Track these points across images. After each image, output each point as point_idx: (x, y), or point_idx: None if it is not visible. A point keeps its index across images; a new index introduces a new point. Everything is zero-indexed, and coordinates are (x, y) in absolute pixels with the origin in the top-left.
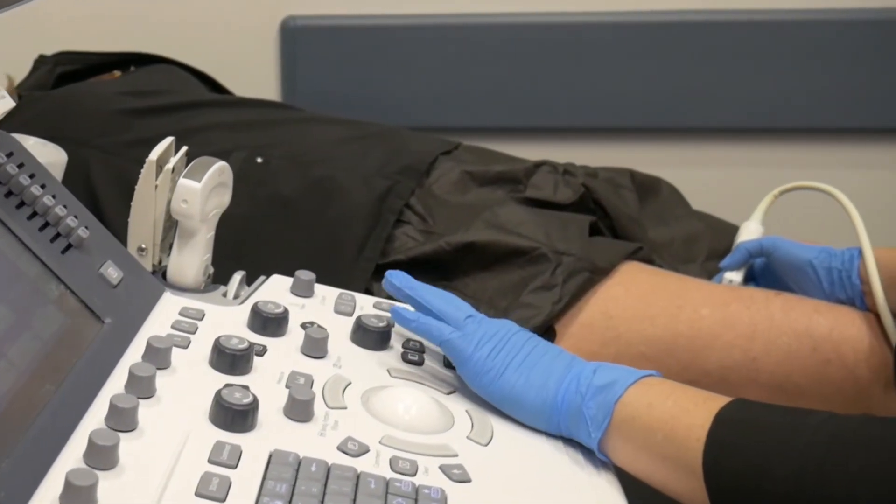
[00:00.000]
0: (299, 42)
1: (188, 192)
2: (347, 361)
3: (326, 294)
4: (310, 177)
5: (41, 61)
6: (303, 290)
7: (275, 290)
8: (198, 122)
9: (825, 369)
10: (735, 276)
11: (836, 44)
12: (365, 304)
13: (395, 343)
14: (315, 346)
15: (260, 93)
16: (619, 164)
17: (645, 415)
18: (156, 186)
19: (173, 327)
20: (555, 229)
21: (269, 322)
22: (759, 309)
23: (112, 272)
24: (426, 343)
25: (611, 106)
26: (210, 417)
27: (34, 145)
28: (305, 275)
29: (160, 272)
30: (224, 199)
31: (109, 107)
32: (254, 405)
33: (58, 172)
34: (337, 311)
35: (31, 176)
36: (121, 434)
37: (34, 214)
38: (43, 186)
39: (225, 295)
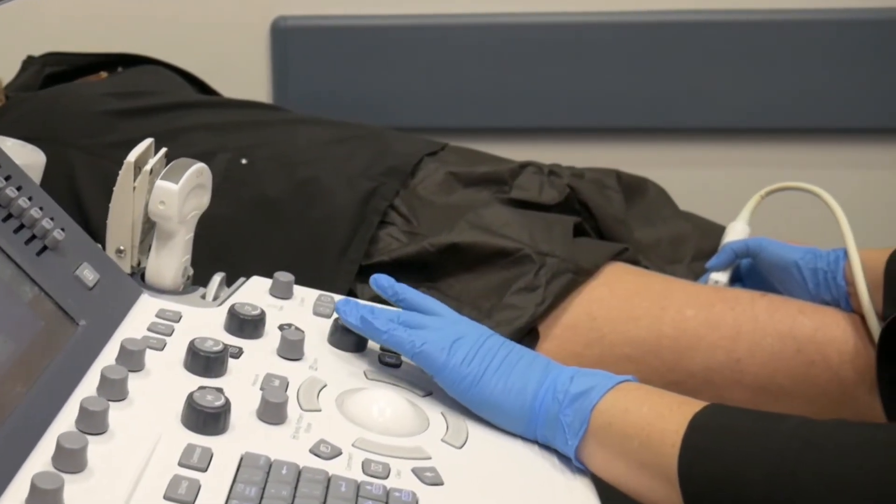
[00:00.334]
0: (290, 42)
1: (165, 193)
2: (324, 363)
3: (306, 296)
4: (294, 178)
5: (29, 62)
6: (281, 292)
7: (254, 291)
8: (183, 123)
9: (809, 370)
10: (721, 277)
11: (830, 44)
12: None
13: (373, 345)
14: (291, 348)
15: (251, 93)
16: (605, 165)
17: (621, 421)
18: (134, 188)
19: (149, 329)
20: (539, 230)
21: (246, 324)
22: (744, 310)
23: (88, 274)
24: None
25: (599, 106)
26: (182, 420)
27: (12, 147)
28: (284, 276)
29: (139, 274)
30: (203, 200)
31: (94, 108)
32: (226, 408)
33: (36, 174)
34: (316, 313)
35: (7, 178)
36: (91, 437)
37: (9, 216)
38: (19, 188)
39: (204, 297)
